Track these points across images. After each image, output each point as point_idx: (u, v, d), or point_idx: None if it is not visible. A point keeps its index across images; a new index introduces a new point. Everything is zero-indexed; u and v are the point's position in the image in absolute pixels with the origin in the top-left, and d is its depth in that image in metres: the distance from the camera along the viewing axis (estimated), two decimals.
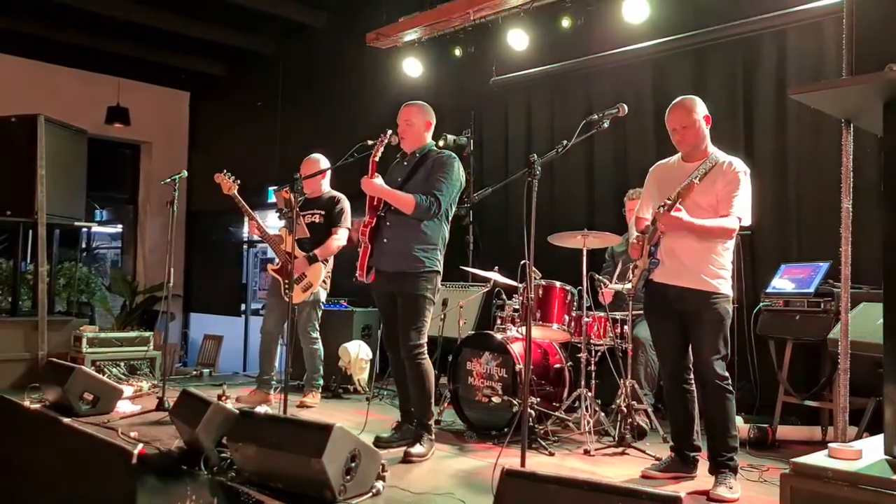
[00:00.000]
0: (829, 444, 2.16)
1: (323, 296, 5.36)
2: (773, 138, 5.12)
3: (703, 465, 3.50)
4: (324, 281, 5.28)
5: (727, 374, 3.34)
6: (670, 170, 3.57)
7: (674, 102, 3.52)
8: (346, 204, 5.31)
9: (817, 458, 2.10)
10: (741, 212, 3.32)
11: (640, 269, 3.52)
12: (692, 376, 3.48)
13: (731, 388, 3.34)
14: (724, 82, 5.41)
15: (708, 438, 3.39)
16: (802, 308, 4.21)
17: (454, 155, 4.03)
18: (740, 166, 3.39)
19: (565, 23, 5.93)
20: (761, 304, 4.46)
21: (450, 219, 4.04)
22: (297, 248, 5.03)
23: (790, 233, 5.02)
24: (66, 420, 4.25)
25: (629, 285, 4.36)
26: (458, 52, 6.74)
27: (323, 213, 5.27)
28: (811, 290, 4.19)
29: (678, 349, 3.50)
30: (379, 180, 3.86)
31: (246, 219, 5.30)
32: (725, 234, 3.35)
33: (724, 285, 3.38)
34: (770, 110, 5.16)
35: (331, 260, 5.33)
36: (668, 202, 3.28)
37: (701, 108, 3.45)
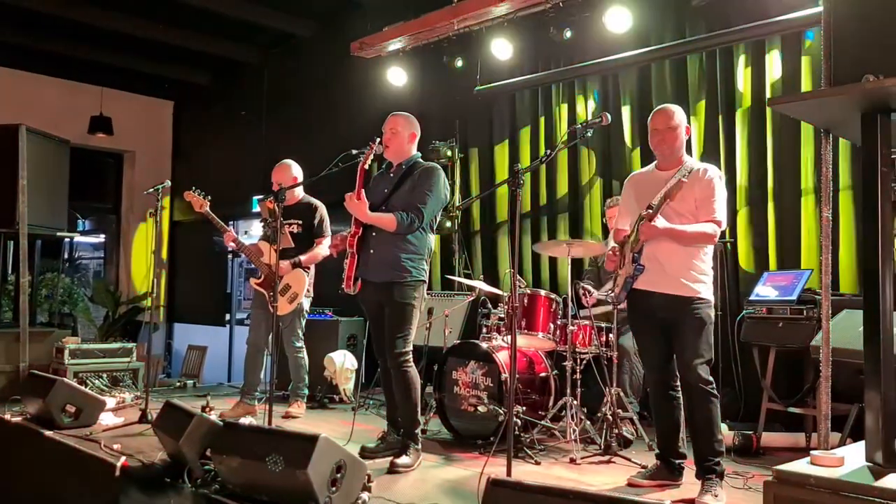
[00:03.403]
0: (812, 451, 2.17)
1: (307, 305, 5.34)
2: (754, 147, 5.17)
3: (689, 473, 3.51)
4: (308, 290, 5.26)
5: (711, 378, 3.35)
6: (646, 179, 3.61)
7: (659, 107, 3.60)
8: (324, 211, 5.30)
9: (800, 465, 2.12)
10: (720, 215, 3.38)
11: (622, 276, 3.51)
12: (678, 383, 3.48)
13: (715, 392, 3.35)
14: (706, 91, 5.46)
15: (693, 443, 3.40)
16: (785, 315, 4.23)
17: (439, 167, 4.06)
18: (714, 172, 3.46)
19: (549, 35, 5.96)
20: (744, 311, 4.48)
21: (434, 229, 4.06)
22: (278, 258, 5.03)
23: (772, 241, 5.06)
24: (48, 433, 4.20)
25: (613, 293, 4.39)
26: (442, 61, 6.75)
27: (300, 222, 5.25)
28: (794, 297, 4.22)
29: (663, 357, 3.51)
30: (364, 204, 3.86)
31: (223, 233, 5.27)
32: (707, 239, 3.39)
33: (705, 290, 3.41)
34: (751, 119, 5.21)
35: (312, 268, 5.31)
36: (649, 211, 3.30)
37: (683, 117, 3.53)
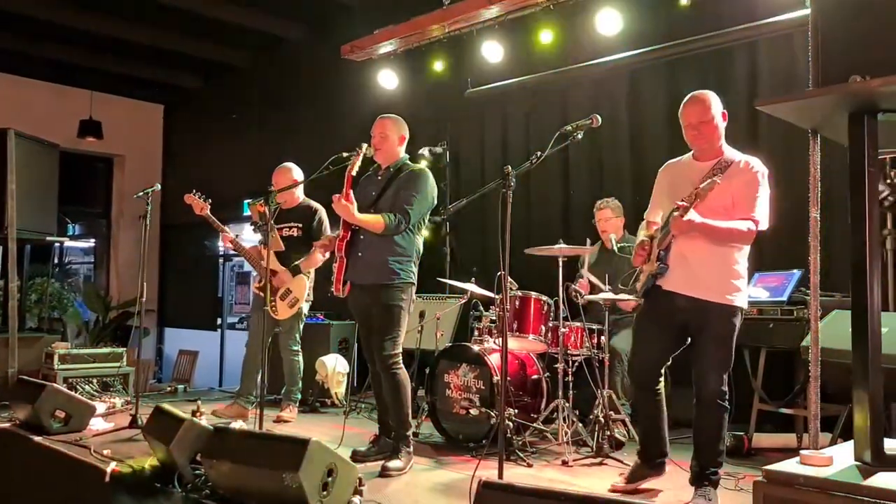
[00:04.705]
0: (801, 451, 2.18)
1: (306, 308, 5.33)
2: (745, 148, 5.17)
3: (680, 474, 3.49)
4: (308, 294, 5.26)
5: (726, 389, 3.21)
6: (682, 169, 3.39)
7: (690, 96, 3.30)
8: (323, 214, 5.29)
9: (789, 465, 2.12)
10: (759, 215, 3.13)
11: (645, 273, 3.33)
12: (662, 382, 3.41)
13: (727, 405, 3.21)
14: None
15: (695, 450, 3.27)
16: (776, 316, 4.24)
17: (427, 170, 4.06)
18: (759, 166, 3.21)
19: (540, 38, 5.98)
20: None
21: (422, 232, 4.06)
22: (278, 263, 5.02)
23: (763, 241, 5.07)
24: (37, 438, 4.18)
25: (604, 295, 4.39)
26: (433, 64, 6.76)
27: (300, 225, 5.25)
28: (784, 298, 4.23)
29: (661, 362, 3.38)
30: (352, 206, 3.85)
31: (221, 234, 5.25)
32: (742, 238, 3.16)
33: (739, 298, 3.20)
34: (741, 120, 5.22)
35: (312, 272, 5.30)
36: (683, 204, 3.07)
37: (718, 104, 3.26)
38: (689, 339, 3.30)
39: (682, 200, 3.09)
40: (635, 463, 3.53)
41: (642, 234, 3.50)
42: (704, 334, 3.21)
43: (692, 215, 3.07)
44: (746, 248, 3.26)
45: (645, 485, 3.49)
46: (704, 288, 3.19)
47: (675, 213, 3.11)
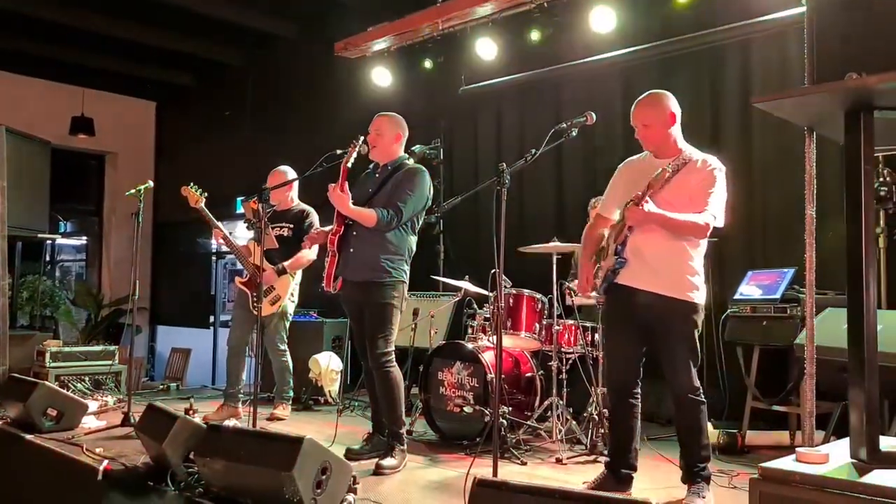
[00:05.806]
0: (797, 449, 2.18)
1: (291, 308, 5.31)
2: (739, 146, 5.19)
3: (674, 473, 3.50)
4: (291, 293, 5.24)
5: (699, 384, 3.22)
6: (639, 166, 3.38)
7: (639, 98, 3.34)
8: (314, 217, 5.28)
9: (785, 463, 2.12)
10: (715, 210, 3.13)
11: (604, 268, 3.32)
12: (639, 390, 3.35)
13: (703, 399, 3.21)
14: (691, 91, 5.46)
15: (681, 449, 3.28)
16: (769, 314, 4.25)
17: (424, 169, 4.03)
18: (715, 163, 3.22)
19: (534, 35, 5.98)
20: (729, 310, 4.50)
21: (416, 231, 4.05)
22: (266, 261, 5.00)
23: (757, 239, 5.09)
24: (29, 437, 4.16)
25: (599, 294, 4.39)
26: (426, 61, 6.75)
27: (291, 226, 5.23)
28: (777, 295, 4.24)
29: (632, 361, 3.32)
30: (347, 196, 3.83)
31: (213, 230, 5.22)
32: (697, 232, 3.15)
33: (697, 294, 3.20)
34: (736, 118, 5.24)
35: (299, 273, 5.29)
36: (638, 195, 3.10)
37: (666, 105, 3.27)
38: (652, 339, 3.27)
39: (639, 193, 3.11)
40: (602, 474, 3.41)
41: (579, 252, 3.52)
42: (667, 333, 3.20)
43: (650, 206, 3.08)
44: (703, 247, 3.27)
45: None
46: (661, 283, 3.18)
47: (630, 204, 3.12)
